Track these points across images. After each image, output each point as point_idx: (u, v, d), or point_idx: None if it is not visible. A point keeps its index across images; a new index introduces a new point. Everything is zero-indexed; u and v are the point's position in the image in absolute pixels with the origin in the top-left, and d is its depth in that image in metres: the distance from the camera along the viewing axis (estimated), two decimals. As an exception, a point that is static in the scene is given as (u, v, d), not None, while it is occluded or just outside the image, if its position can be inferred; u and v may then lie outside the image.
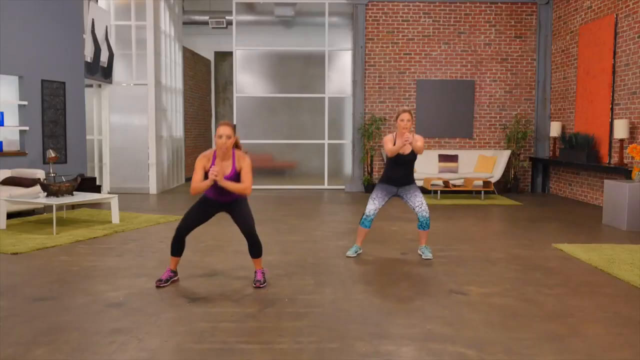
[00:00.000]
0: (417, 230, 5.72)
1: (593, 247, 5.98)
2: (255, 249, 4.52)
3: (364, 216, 5.53)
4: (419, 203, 5.45)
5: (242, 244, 6.07)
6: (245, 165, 4.34)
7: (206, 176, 4.32)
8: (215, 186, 4.32)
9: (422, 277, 4.84)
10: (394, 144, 5.39)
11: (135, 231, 6.90)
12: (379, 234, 6.84)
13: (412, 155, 5.43)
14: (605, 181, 7.73)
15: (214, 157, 4.35)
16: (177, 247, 4.51)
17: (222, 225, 7.37)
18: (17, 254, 5.59)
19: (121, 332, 3.47)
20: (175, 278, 4.61)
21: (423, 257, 5.53)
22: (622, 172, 8.27)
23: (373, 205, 5.51)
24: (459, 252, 5.83)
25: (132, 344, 3.28)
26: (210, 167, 4.30)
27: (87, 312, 3.86)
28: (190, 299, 4.18)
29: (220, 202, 4.46)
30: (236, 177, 4.35)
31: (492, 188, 10.24)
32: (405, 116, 5.35)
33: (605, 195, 7.70)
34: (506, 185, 11.56)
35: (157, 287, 4.45)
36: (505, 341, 3.38)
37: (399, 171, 5.46)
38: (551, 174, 11.42)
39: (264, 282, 4.51)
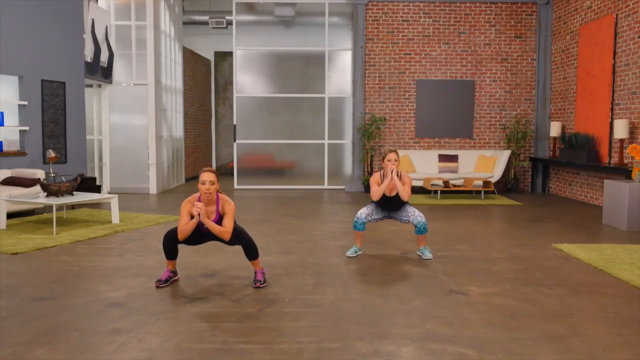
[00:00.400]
0: (415, 235, 5.72)
1: (593, 247, 5.98)
2: (250, 251, 4.51)
3: (355, 219, 5.56)
4: (411, 213, 5.50)
5: (242, 244, 6.07)
6: (229, 210, 4.40)
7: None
8: (200, 224, 4.37)
9: (422, 277, 4.84)
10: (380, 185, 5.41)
11: (135, 231, 6.90)
12: (379, 234, 6.84)
13: (398, 198, 5.43)
14: (605, 181, 7.73)
15: (199, 201, 4.40)
16: (170, 252, 4.50)
17: (222, 225, 7.37)
18: (17, 254, 5.59)
19: (121, 332, 3.47)
20: (175, 278, 4.61)
21: (423, 257, 5.54)
22: (622, 172, 8.27)
23: (366, 210, 5.55)
24: (459, 252, 5.83)
25: (132, 344, 3.28)
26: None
27: (87, 312, 3.86)
28: (190, 299, 4.18)
29: (207, 230, 4.44)
30: (220, 222, 4.42)
31: (492, 188, 10.24)
32: (392, 156, 5.37)
33: (605, 195, 7.70)
34: (506, 185, 11.56)
35: (157, 287, 4.45)
36: (505, 341, 3.38)
37: (387, 207, 5.53)
38: (551, 174, 11.42)
39: (264, 282, 4.51)
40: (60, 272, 4.92)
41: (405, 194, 5.34)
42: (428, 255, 5.53)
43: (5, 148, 8.57)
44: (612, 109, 9.12)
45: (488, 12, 11.60)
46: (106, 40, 10.60)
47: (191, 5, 13.99)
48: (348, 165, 12.13)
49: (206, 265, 5.19)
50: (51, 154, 8.43)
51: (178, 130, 12.88)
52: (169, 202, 9.90)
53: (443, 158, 11.22)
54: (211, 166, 16.26)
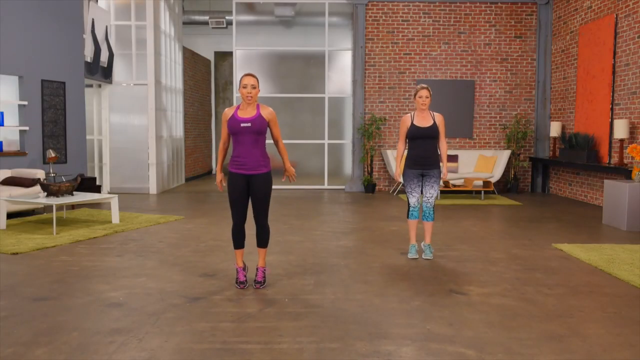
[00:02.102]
0: (422, 224, 5.65)
1: (593, 247, 5.98)
2: (262, 236, 4.50)
3: (410, 208, 5.52)
4: (430, 195, 5.48)
5: (242, 244, 6.07)
6: (273, 117, 4.41)
7: (232, 129, 4.33)
8: (236, 160, 4.41)
9: (422, 277, 4.84)
10: (412, 123, 5.38)
11: (135, 231, 6.90)
12: (379, 234, 6.84)
13: (432, 130, 5.36)
14: (605, 181, 7.73)
15: (237, 108, 4.36)
16: (238, 238, 4.49)
17: (222, 225, 7.38)
18: (17, 254, 5.59)
19: (121, 332, 3.47)
20: (247, 274, 4.60)
21: (424, 256, 5.52)
22: (622, 172, 8.27)
23: (413, 197, 5.51)
24: (459, 252, 5.83)
25: (132, 344, 3.28)
26: (233, 114, 4.33)
27: (87, 312, 3.86)
28: (190, 299, 4.18)
29: (244, 174, 4.42)
30: (259, 121, 4.31)
31: (492, 188, 10.24)
32: (424, 93, 5.32)
33: (605, 195, 7.70)
34: (506, 185, 11.56)
35: (241, 288, 4.42)
36: (505, 341, 3.38)
37: (420, 148, 5.40)
38: (551, 174, 11.42)
39: (264, 283, 4.50)
40: (60, 272, 4.93)
41: (443, 136, 5.41)
42: (429, 255, 5.51)
43: (5, 148, 8.57)
44: (612, 109, 9.11)
45: (488, 12, 11.60)
46: (106, 40, 10.60)
47: (191, 5, 14.00)
48: (348, 165, 12.13)
49: (206, 266, 5.19)
50: (51, 154, 8.43)
51: (178, 130, 12.88)
52: (169, 202, 9.90)
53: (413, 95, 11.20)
54: (210, 166, 16.27)
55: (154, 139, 11.03)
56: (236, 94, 11.97)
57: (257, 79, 4.35)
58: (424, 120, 5.38)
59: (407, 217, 5.58)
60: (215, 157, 16.54)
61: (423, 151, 5.40)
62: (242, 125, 4.29)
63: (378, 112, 11.66)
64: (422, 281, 4.71)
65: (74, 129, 9.63)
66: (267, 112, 4.37)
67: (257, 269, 4.58)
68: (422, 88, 5.36)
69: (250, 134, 4.31)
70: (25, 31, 8.67)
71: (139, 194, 10.87)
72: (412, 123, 5.39)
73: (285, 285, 4.54)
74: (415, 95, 5.41)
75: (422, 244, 5.67)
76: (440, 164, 5.52)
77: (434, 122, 5.38)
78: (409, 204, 5.54)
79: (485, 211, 8.82)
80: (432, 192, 5.48)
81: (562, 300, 4.20)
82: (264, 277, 4.54)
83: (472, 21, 11.60)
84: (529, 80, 11.69)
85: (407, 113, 5.61)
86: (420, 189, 5.51)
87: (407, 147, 5.54)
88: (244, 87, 4.28)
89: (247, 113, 4.32)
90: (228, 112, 4.38)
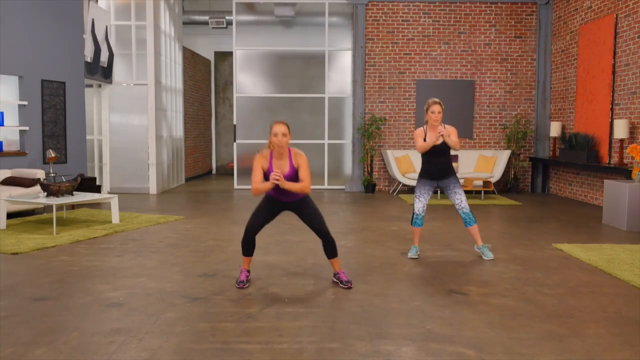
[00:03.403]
0: (464, 228, 5.61)
1: (593, 247, 5.98)
2: (329, 248, 4.50)
3: (414, 215, 5.48)
4: (459, 200, 5.42)
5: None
6: (303, 163, 4.34)
7: (265, 177, 4.33)
8: (276, 186, 4.30)
9: (422, 277, 4.84)
10: (425, 139, 5.33)
11: (135, 231, 6.90)
12: (379, 234, 6.84)
13: (446, 145, 5.33)
14: (605, 181, 7.73)
15: (271, 156, 4.34)
16: (248, 247, 4.51)
17: (221, 225, 7.38)
18: (17, 254, 5.59)
19: (121, 332, 3.47)
20: (250, 277, 4.62)
21: (483, 257, 5.49)
22: (622, 172, 8.27)
23: (420, 203, 5.46)
24: (459, 252, 5.83)
25: (132, 344, 3.28)
26: (269, 167, 4.31)
27: (87, 312, 3.86)
28: (190, 299, 4.18)
29: (283, 201, 4.45)
30: (294, 174, 4.33)
31: (492, 188, 10.24)
32: (436, 108, 5.25)
33: (605, 195, 7.70)
34: (506, 185, 11.56)
35: (240, 288, 4.44)
36: (505, 341, 3.38)
37: (434, 163, 5.38)
38: (551, 174, 11.42)
39: (350, 282, 4.50)
40: (60, 272, 4.92)
41: (456, 144, 5.25)
42: (489, 255, 5.46)
43: (5, 148, 8.58)
44: (612, 109, 9.11)
45: (488, 12, 11.60)
46: (106, 40, 10.60)
47: (191, 5, 14.00)
48: (348, 165, 12.13)
49: (206, 266, 5.19)
50: (51, 154, 8.42)
51: (178, 130, 12.88)
52: (169, 202, 9.90)
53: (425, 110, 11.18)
54: (211, 166, 16.28)
55: (154, 139, 11.03)
56: (236, 94, 11.98)
57: (288, 126, 4.31)
58: (436, 136, 5.31)
59: (411, 224, 5.56)
60: (214, 157, 16.53)
61: (437, 166, 5.40)
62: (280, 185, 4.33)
63: (378, 112, 11.66)
64: (422, 281, 4.72)
65: (74, 129, 9.63)
66: (298, 160, 4.34)
67: (339, 272, 4.55)
68: (435, 103, 5.28)
69: (286, 204, 4.43)
70: (25, 31, 8.67)
71: (139, 194, 10.87)
72: (425, 140, 5.36)
73: (285, 285, 4.55)
74: (427, 110, 5.32)
75: (475, 247, 5.65)
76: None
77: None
78: (414, 210, 5.51)
79: (485, 211, 8.82)
80: (459, 197, 5.42)
81: (562, 300, 4.20)
82: (347, 277, 4.56)
83: (472, 21, 11.60)
84: (529, 80, 11.69)
85: (419, 128, 5.53)
86: (429, 195, 5.48)
87: (421, 161, 5.50)
88: (275, 136, 4.23)
89: (282, 166, 4.32)
90: (263, 161, 4.33)
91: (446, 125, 5.37)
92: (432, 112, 5.27)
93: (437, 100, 5.32)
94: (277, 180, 4.14)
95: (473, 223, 5.46)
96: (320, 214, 4.50)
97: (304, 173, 4.32)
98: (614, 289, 4.50)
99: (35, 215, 8.00)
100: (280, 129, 4.23)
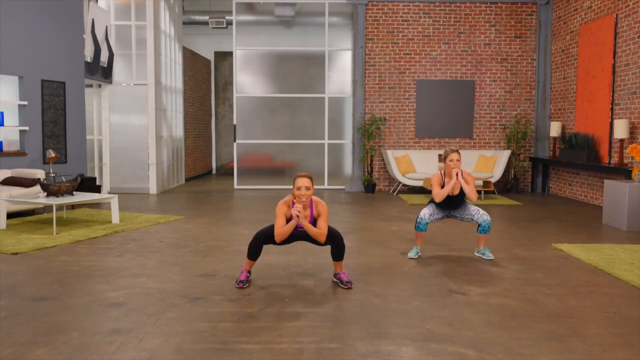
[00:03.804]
0: (476, 234, 5.64)
1: (593, 247, 5.98)
2: (339, 252, 4.53)
3: (419, 219, 5.47)
4: (475, 211, 5.46)
5: (243, 243, 6.09)
6: (323, 212, 4.42)
7: (287, 221, 4.41)
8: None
9: (422, 277, 4.84)
10: (442, 186, 5.36)
11: (135, 231, 6.90)
12: (379, 234, 6.84)
13: (462, 194, 5.41)
14: (605, 181, 7.73)
15: (293, 204, 4.40)
16: (254, 253, 4.53)
17: (221, 225, 7.38)
18: (17, 254, 5.59)
19: (121, 332, 3.47)
20: (250, 278, 4.63)
21: (484, 257, 5.51)
22: (622, 172, 8.27)
23: (428, 210, 5.48)
24: (459, 252, 5.83)
25: (132, 344, 3.28)
26: (291, 214, 4.38)
27: (87, 312, 3.86)
28: (190, 299, 4.18)
29: (300, 234, 4.50)
30: (314, 223, 4.44)
31: (492, 188, 10.24)
32: (455, 156, 5.27)
33: (605, 195, 7.70)
34: (506, 185, 11.56)
35: (240, 287, 4.45)
36: (505, 341, 3.38)
37: (449, 205, 5.48)
38: (551, 174, 11.42)
39: (350, 282, 4.52)
40: (60, 272, 4.92)
41: (472, 194, 5.28)
42: (489, 255, 5.50)
43: (5, 148, 8.58)
44: (612, 109, 9.12)
45: (488, 12, 11.60)
46: (106, 40, 10.60)
47: (191, 5, 13.99)
48: (348, 165, 12.13)
49: (206, 266, 5.19)
50: (51, 154, 8.42)
51: (178, 130, 12.88)
52: (169, 202, 9.90)
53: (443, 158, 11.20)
54: (211, 166, 16.28)
55: (154, 139, 11.03)
56: (236, 94, 11.97)
57: (311, 179, 4.38)
58: (453, 187, 5.34)
59: (415, 228, 5.57)
60: (214, 157, 16.53)
61: (452, 207, 5.50)
62: (298, 229, 4.41)
63: (378, 112, 11.66)
64: (422, 281, 4.71)
65: (74, 129, 9.63)
66: (319, 210, 4.42)
67: (340, 272, 4.58)
68: (453, 151, 5.29)
69: (304, 235, 4.48)
70: (25, 31, 8.67)
71: (139, 194, 10.87)
72: (442, 188, 5.39)
73: (285, 285, 4.55)
74: (445, 157, 5.33)
75: (475, 252, 5.66)
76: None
77: (461, 190, 5.37)
78: (419, 215, 5.51)
79: (485, 211, 8.80)
80: (473, 210, 5.46)
81: (562, 300, 4.20)
82: (347, 277, 4.57)
83: (472, 21, 11.60)
84: (529, 80, 11.69)
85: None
86: (439, 214, 5.51)
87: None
88: (298, 189, 4.30)
89: (304, 216, 4.38)
90: (285, 208, 4.40)
91: (464, 172, 5.41)
92: (450, 160, 5.29)
93: (455, 148, 5.36)
94: (299, 214, 4.23)
95: (488, 232, 5.49)
96: (335, 232, 4.52)
97: (322, 222, 4.40)
98: (614, 289, 4.50)
99: (35, 215, 8.00)
100: (303, 182, 4.32)
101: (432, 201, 5.56)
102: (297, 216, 4.25)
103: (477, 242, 5.62)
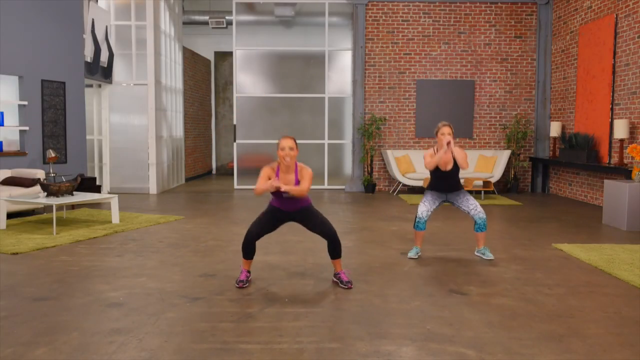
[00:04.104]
0: (474, 233, 5.63)
1: (593, 247, 5.98)
2: (335, 249, 4.52)
3: (417, 219, 5.49)
4: (473, 206, 5.46)
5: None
6: (307, 175, 4.41)
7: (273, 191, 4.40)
8: (279, 198, 4.40)
9: (422, 277, 4.84)
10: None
11: (135, 231, 6.90)
12: (379, 234, 6.84)
13: (455, 169, 5.42)
14: (605, 181, 7.73)
15: (278, 169, 4.40)
16: (248, 251, 4.53)
17: (221, 225, 7.38)
18: (17, 254, 5.59)
19: (121, 332, 3.47)
20: (250, 278, 4.63)
21: (484, 257, 5.51)
22: (622, 172, 8.27)
23: (424, 207, 5.49)
24: (459, 252, 5.83)
25: (132, 344, 3.28)
26: (275, 177, 4.37)
27: (87, 312, 3.86)
28: (190, 299, 4.18)
29: (287, 211, 4.49)
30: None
31: (492, 188, 10.24)
32: (446, 130, 5.30)
33: (605, 195, 7.70)
34: (506, 185, 11.56)
35: (240, 287, 4.45)
36: (505, 341, 3.38)
37: (443, 183, 5.48)
38: (551, 174, 11.42)
39: (350, 282, 4.51)
40: (60, 272, 4.93)
41: (464, 162, 5.29)
42: (489, 255, 5.49)
43: (5, 148, 8.57)
44: (612, 109, 9.12)
45: (488, 12, 11.60)
46: (106, 40, 10.60)
47: (191, 5, 14.00)
48: (348, 165, 12.13)
49: (206, 266, 5.19)
50: (51, 154, 8.43)
51: (178, 130, 12.88)
52: (169, 202, 9.90)
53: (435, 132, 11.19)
54: (211, 166, 16.28)
55: (154, 139, 11.03)
56: (236, 94, 11.98)
57: (295, 140, 4.38)
58: (446, 163, 5.36)
59: (414, 227, 5.57)
60: (215, 157, 16.53)
61: (446, 185, 5.48)
62: (284, 195, 4.38)
63: (378, 112, 11.66)
64: (422, 281, 4.71)
65: (74, 129, 9.63)
66: (303, 174, 4.41)
67: (340, 272, 4.57)
68: (445, 125, 5.33)
69: (290, 214, 4.48)
70: (25, 31, 8.67)
71: (139, 194, 10.87)
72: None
73: (285, 285, 4.55)
74: (437, 132, 5.37)
75: (476, 251, 5.66)
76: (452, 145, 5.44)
77: (455, 164, 5.38)
78: (417, 214, 5.52)
79: (485, 211, 8.81)
80: (473, 203, 5.47)
81: (562, 300, 4.20)
82: (347, 277, 4.57)
83: (472, 21, 11.60)
84: (529, 80, 11.69)
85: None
86: (434, 204, 5.50)
87: (430, 176, 5.54)
88: (282, 150, 4.31)
89: (288, 180, 4.38)
90: (269, 171, 4.40)
91: (456, 151, 5.40)
92: (442, 134, 5.32)
93: (446, 123, 5.39)
94: (276, 185, 4.21)
95: (485, 229, 5.50)
96: (326, 219, 4.54)
97: (304, 180, 4.39)
98: (614, 289, 4.50)
99: (35, 215, 8.00)
100: (287, 143, 4.32)
101: (426, 192, 5.54)
102: (275, 185, 4.20)
103: (477, 242, 5.62)
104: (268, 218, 4.54)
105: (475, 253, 5.67)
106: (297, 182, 4.40)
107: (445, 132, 5.30)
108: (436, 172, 5.44)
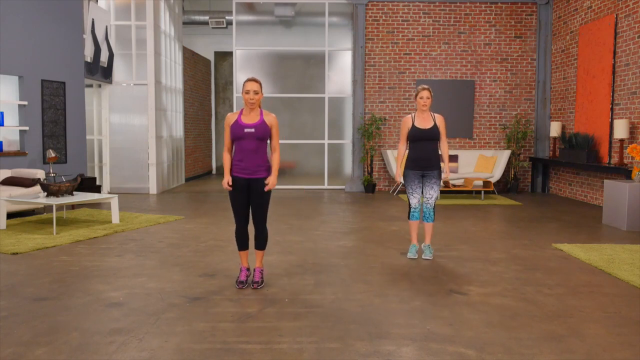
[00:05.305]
0: (423, 224, 5.66)
1: (593, 247, 5.98)
2: (260, 240, 4.52)
3: (412, 209, 5.52)
4: (430, 196, 5.48)
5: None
6: (276, 125, 4.40)
7: (234, 134, 4.32)
8: (238, 164, 4.38)
9: (422, 277, 4.84)
10: (412, 124, 5.38)
11: (135, 231, 6.90)
12: (379, 234, 6.84)
13: (433, 132, 5.38)
14: (605, 181, 7.73)
15: (241, 113, 4.37)
16: (241, 240, 4.53)
17: (221, 225, 7.38)
18: (17, 254, 5.59)
19: (121, 332, 3.47)
20: (249, 274, 4.61)
21: (423, 256, 5.53)
22: (622, 172, 8.27)
23: (414, 198, 5.51)
24: (459, 252, 5.83)
25: (132, 344, 3.28)
26: (237, 120, 4.32)
27: (87, 312, 3.86)
28: (190, 299, 4.18)
29: (245, 178, 4.43)
30: (263, 127, 4.32)
31: (492, 188, 10.24)
32: (425, 94, 5.34)
33: (605, 195, 7.70)
34: (506, 185, 11.56)
35: (240, 288, 4.44)
36: (505, 341, 3.38)
37: (420, 149, 5.41)
38: (551, 174, 11.42)
39: (262, 283, 4.50)
40: (60, 272, 4.92)
41: (443, 129, 5.40)
42: (428, 255, 5.52)
43: (5, 148, 8.57)
44: (612, 109, 9.11)
45: (488, 12, 11.60)
46: (106, 40, 10.60)
47: (191, 5, 14.00)
48: (348, 165, 12.13)
49: (206, 266, 5.19)
50: (51, 154, 8.42)
51: (178, 130, 12.88)
52: (169, 202, 9.90)
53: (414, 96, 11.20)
54: (211, 166, 16.27)
55: (154, 139, 11.03)
56: (236, 94, 11.98)
57: (260, 84, 4.35)
58: (424, 121, 5.40)
59: (408, 218, 5.60)
60: (215, 157, 16.53)
61: (424, 153, 5.42)
62: (245, 130, 4.30)
63: (378, 112, 11.66)
64: (422, 281, 4.71)
65: (74, 129, 9.63)
66: (270, 118, 4.37)
67: (254, 269, 4.58)
68: (423, 89, 5.37)
69: (253, 140, 4.32)
70: (25, 31, 8.67)
71: (139, 194, 10.87)
72: (412, 124, 5.40)
73: (285, 285, 4.54)
74: (416, 96, 5.43)
75: (422, 245, 5.68)
76: (442, 164, 5.54)
77: (435, 124, 5.39)
78: (410, 205, 5.56)
79: (485, 211, 8.82)
80: (432, 193, 5.49)
81: (562, 300, 4.20)
82: (262, 277, 4.54)
83: (472, 21, 11.60)
84: (529, 80, 11.69)
85: (407, 114, 5.60)
86: (421, 189, 5.52)
87: (407, 148, 5.54)
88: (247, 93, 4.28)
89: (251, 119, 4.34)
90: (231, 117, 4.39)
91: (436, 115, 5.46)
92: (420, 98, 5.36)
93: (426, 86, 5.41)
94: (229, 187, 4.42)
95: (432, 220, 5.54)
96: (267, 205, 4.51)
97: (275, 140, 4.41)
98: (614, 289, 4.50)
99: (35, 215, 8.00)
100: (252, 86, 4.29)
101: (405, 177, 5.51)
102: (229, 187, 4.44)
103: (425, 234, 5.60)
104: (235, 192, 4.49)
105: (422, 246, 5.66)
106: (262, 120, 4.31)
107: (424, 96, 5.33)
108: (414, 133, 5.38)
